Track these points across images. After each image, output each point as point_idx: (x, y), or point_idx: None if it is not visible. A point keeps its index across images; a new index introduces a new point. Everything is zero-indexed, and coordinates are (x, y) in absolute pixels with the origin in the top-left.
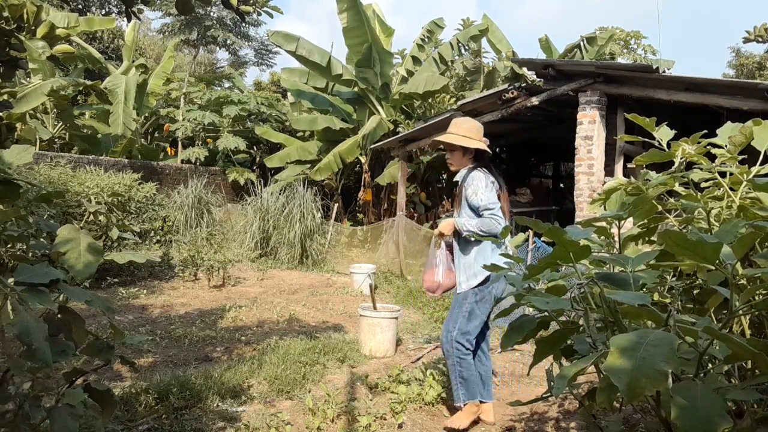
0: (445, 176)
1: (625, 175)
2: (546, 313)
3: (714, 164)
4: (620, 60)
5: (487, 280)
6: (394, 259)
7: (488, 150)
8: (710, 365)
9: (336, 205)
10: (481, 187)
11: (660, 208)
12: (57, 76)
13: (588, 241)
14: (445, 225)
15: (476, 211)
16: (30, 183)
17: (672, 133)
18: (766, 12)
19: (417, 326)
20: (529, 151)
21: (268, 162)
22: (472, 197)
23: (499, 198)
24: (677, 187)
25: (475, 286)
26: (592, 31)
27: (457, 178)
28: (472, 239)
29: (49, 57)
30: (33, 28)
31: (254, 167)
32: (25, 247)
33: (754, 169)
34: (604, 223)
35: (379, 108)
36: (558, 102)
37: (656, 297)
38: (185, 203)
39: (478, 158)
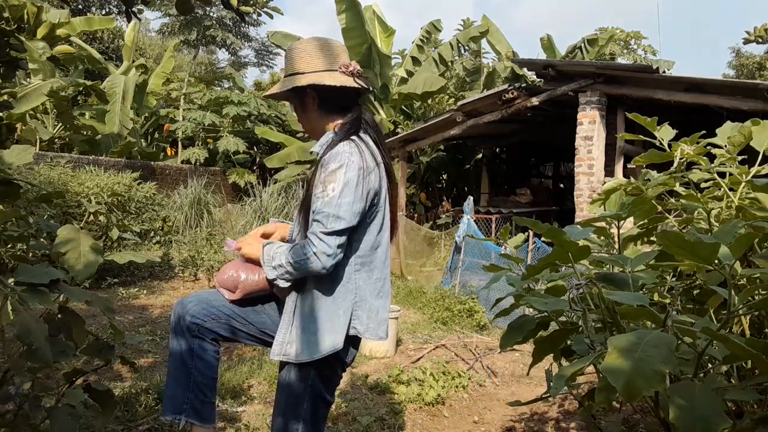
0: (444, 176)
1: (625, 176)
2: (545, 314)
3: (713, 164)
4: (620, 60)
5: (351, 342)
6: (394, 259)
7: (359, 83)
8: (709, 365)
9: None
10: (340, 178)
11: (660, 208)
12: (57, 76)
13: (587, 241)
14: (249, 245)
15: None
16: (30, 183)
17: (673, 132)
18: (766, 12)
19: (417, 326)
20: (529, 151)
21: (268, 162)
22: (318, 194)
23: (374, 201)
24: (677, 188)
25: (313, 360)
26: (592, 32)
27: (315, 149)
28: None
29: (49, 57)
30: (33, 28)
31: (254, 167)
32: (25, 247)
33: (753, 170)
34: (603, 224)
35: (379, 108)
36: (558, 102)
37: (656, 297)
38: (185, 203)
39: (342, 105)
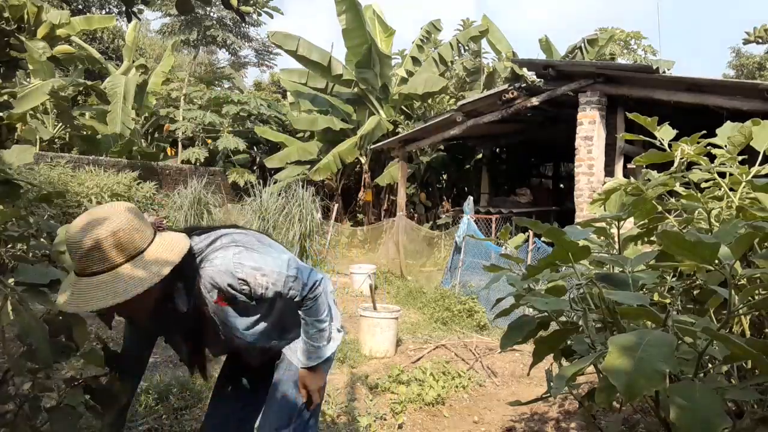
0: (444, 176)
1: (625, 176)
2: (545, 314)
3: (713, 164)
4: (620, 60)
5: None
6: (394, 259)
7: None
8: (710, 365)
9: (336, 205)
10: (249, 264)
11: (660, 208)
12: (57, 76)
13: (587, 241)
14: (314, 381)
15: (273, 304)
16: (30, 183)
17: (673, 132)
18: (766, 12)
19: (417, 326)
20: (529, 151)
21: (268, 162)
22: (264, 291)
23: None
24: (677, 188)
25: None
26: (591, 32)
27: (183, 309)
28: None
29: (49, 57)
30: (33, 28)
31: (254, 167)
32: (25, 247)
33: (753, 170)
34: (603, 224)
35: (379, 108)
36: (558, 102)
37: (656, 297)
38: (185, 203)
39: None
